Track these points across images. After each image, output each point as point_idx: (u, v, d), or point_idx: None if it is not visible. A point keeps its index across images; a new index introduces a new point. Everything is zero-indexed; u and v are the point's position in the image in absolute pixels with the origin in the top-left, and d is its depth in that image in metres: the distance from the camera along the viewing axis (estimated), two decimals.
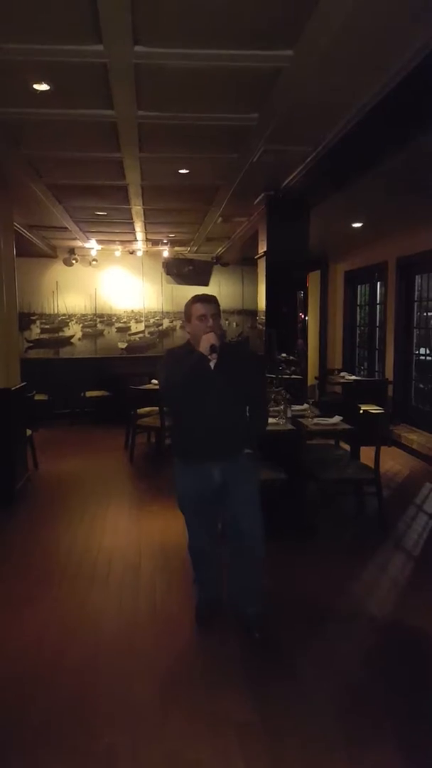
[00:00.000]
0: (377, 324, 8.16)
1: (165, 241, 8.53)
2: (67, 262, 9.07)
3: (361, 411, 4.64)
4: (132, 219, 6.86)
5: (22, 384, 5.38)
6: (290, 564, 3.56)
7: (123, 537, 4.09)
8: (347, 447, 4.87)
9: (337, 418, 4.24)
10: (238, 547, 2.74)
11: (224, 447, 2.61)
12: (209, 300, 2.59)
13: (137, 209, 6.29)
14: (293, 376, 5.39)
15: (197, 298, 2.61)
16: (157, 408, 6.20)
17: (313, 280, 9.23)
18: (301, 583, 3.35)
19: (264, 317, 5.84)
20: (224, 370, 2.56)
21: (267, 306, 5.75)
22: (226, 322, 9.55)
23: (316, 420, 4.21)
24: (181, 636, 2.79)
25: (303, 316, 6.04)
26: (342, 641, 2.75)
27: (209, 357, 2.47)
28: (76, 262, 9.06)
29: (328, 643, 2.74)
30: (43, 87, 3.15)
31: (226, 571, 2.92)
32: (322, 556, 3.72)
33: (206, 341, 2.48)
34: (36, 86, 3.15)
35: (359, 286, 8.82)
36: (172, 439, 2.78)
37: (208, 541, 2.81)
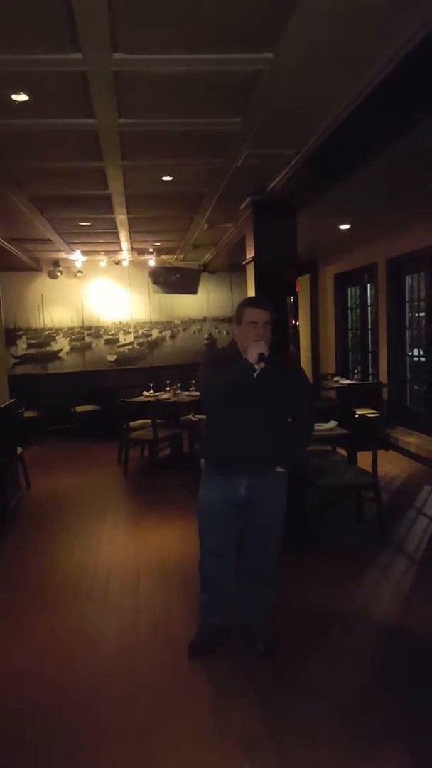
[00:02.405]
0: (369, 326, 8.21)
1: (151, 250, 8.52)
2: (52, 275, 9.06)
3: (357, 415, 4.64)
4: (117, 228, 6.85)
5: (11, 401, 5.34)
6: (292, 571, 3.54)
7: (120, 554, 4.05)
8: (344, 452, 4.87)
9: (332, 423, 4.23)
10: (252, 568, 2.68)
11: (256, 461, 2.52)
12: (264, 306, 2.48)
13: (121, 218, 6.29)
14: None
15: (251, 302, 2.52)
16: (149, 421, 6.17)
17: (303, 284, 9.29)
18: (303, 591, 3.34)
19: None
20: (268, 381, 2.45)
21: None
22: (216, 330, 9.57)
23: None
24: (183, 653, 2.75)
25: (294, 322, 6.05)
26: (347, 648, 2.74)
27: (257, 366, 2.37)
28: (61, 274, 9.04)
29: (333, 650, 2.72)
30: (21, 97, 3.16)
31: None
32: (323, 563, 3.71)
33: (255, 349, 2.37)
34: (14, 97, 3.15)
35: (349, 289, 8.88)
36: (205, 444, 2.69)
37: (220, 564, 2.67)
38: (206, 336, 9.62)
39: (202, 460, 2.68)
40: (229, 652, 2.73)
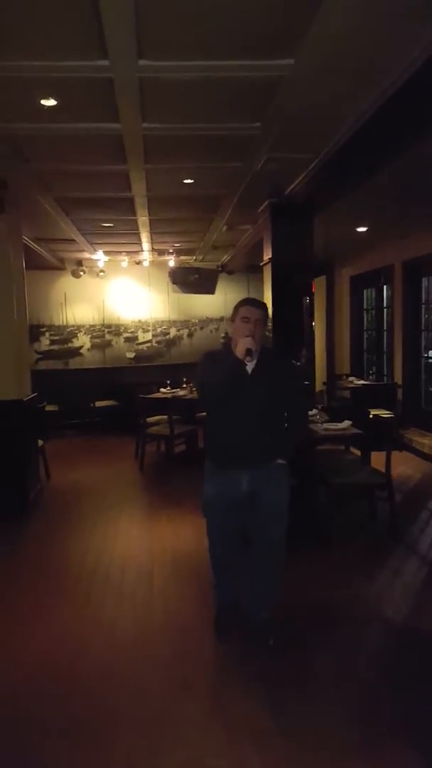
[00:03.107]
0: (385, 328, 8.14)
1: (171, 250, 8.56)
2: (75, 274, 9.15)
3: (371, 415, 4.62)
4: (138, 230, 6.91)
5: (33, 395, 5.42)
6: (303, 570, 3.54)
7: (135, 546, 4.10)
8: (357, 452, 4.85)
9: (346, 423, 4.22)
10: (259, 555, 2.73)
11: (256, 455, 2.58)
12: (258, 305, 2.58)
13: (143, 220, 6.34)
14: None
15: (246, 301, 2.62)
16: (166, 417, 6.22)
17: (319, 285, 9.24)
18: (314, 589, 3.34)
19: (270, 324, 5.84)
20: (262, 375, 2.56)
21: (273, 313, 5.74)
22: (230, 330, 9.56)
23: (325, 425, 4.20)
24: (196, 644, 2.79)
25: (311, 322, 6.03)
26: (357, 646, 2.74)
27: (245, 361, 2.46)
28: (84, 273, 9.12)
29: (344, 648, 2.72)
30: (50, 102, 3.21)
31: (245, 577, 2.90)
32: (335, 562, 3.71)
33: (243, 345, 2.47)
34: (43, 101, 3.20)
35: (365, 290, 8.82)
36: (206, 442, 2.77)
37: (227, 550, 2.79)
38: (223, 335, 9.62)
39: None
40: (240, 644, 2.76)
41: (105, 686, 2.48)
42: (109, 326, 9.52)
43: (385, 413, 5.46)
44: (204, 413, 2.86)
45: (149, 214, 6.09)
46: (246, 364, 2.50)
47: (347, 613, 3.05)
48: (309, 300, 5.93)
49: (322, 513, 4.20)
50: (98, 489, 5.63)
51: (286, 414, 2.70)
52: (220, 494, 2.65)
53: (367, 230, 6.64)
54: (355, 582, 3.42)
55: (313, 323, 6.09)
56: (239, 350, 2.47)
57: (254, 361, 2.55)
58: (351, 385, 7.53)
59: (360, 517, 4.48)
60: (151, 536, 4.27)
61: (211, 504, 2.70)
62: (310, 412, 4.42)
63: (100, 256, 8.73)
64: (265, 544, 2.70)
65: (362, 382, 7.69)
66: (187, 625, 2.96)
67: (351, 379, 7.87)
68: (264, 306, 2.60)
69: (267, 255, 5.82)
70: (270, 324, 5.88)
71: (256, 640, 2.74)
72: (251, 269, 8.94)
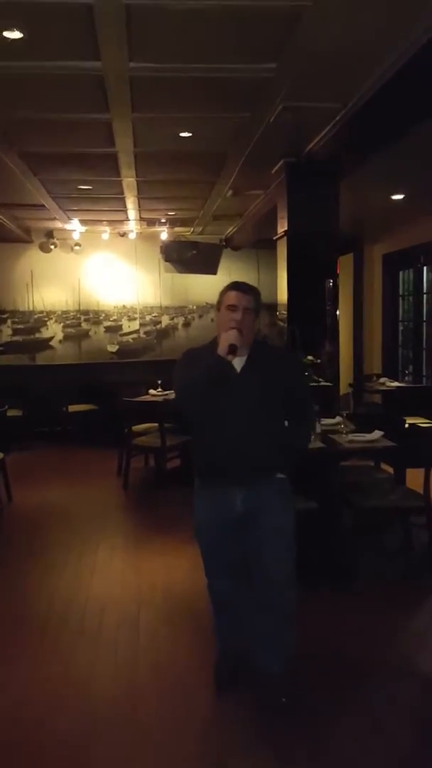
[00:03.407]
0: (424, 318, 8.14)
1: (163, 220, 8.58)
2: (45, 248, 9.15)
3: (407, 425, 4.61)
4: (123, 194, 6.92)
5: None
6: (323, 611, 3.53)
7: (117, 582, 4.08)
8: (390, 469, 4.84)
9: (377, 434, 4.21)
10: (263, 592, 2.74)
11: (250, 469, 2.60)
12: (247, 290, 2.59)
13: (129, 182, 6.35)
14: (322, 383, 5.39)
15: (233, 285, 2.63)
16: (156, 425, 6.20)
17: (345, 265, 9.24)
18: (336, 635, 3.32)
19: (285, 312, 5.84)
20: (254, 374, 2.57)
21: (289, 298, 5.76)
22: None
23: (351, 436, 4.19)
24: (191, 701, 2.77)
25: (334, 310, 6.04)
26: (387, 706, 2.72)
27: (226, 358, 2.47)
28: (55, 247, 9.13)
29: (370, 708, 2.70)
30: (14, 35, 3.20)
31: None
32: (361, 602, 3.70)
33: (226, 339, 2.48)
34: (6, 34, 3.19)
35: (401, 272, 8.81)
36: (192, 455, 2.82)
37: (229, 583, 2.82)
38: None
39: None
40: (246, 702, 2.74)
41: (80, 753, 2.47)
42: (86, 313, 9.53)
43: (424, 422, 5.44)
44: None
45: (137, 175, 6.10)
46: (231, 362, 2.50)
47: (376, 666, 3.03)
48: (333, 283, 5.94)
49: (347, 543, 4.19)
50: (71, 513, 5.61)
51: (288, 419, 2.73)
52: (211, 517, 2.69)
53: (404, 198, 6.64)
54: (386, 627, 3.40)
55: (338, 311, 6.09)
56: (221, 346, 2.48)
57: (244, 357, 2.57)
58: (383, 388, 7.53)
59: (393, 547, 4.46)
60: (137, 571, 4.25)
61: (202, 529, 2.74)
62: (331, 421, 4.42)
63: (75, 226, 8.73)
64: (267, 579, 2.70)
65: (396, 383, 7.68)
66: (180, 681, 2.94)
67: (383, 380, 7.87)
68: (256, 292, 2.62)
69: (281, 227, 5.83)
70: (283, 313, 5.91)
71: (266, 698, 2.73)
72: (262, 245, 8.97)
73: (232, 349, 2.46)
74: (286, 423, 2.71)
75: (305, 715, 2.66)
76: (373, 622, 3.47)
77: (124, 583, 4.07)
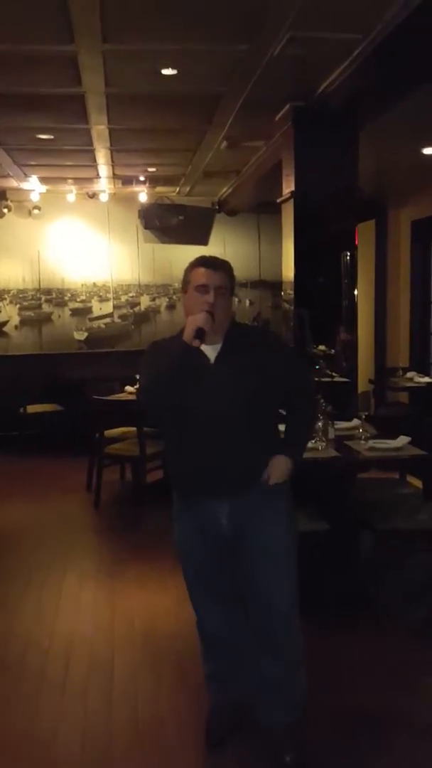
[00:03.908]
0: None
1: (142, 178, 8.54)
2: None
3: None
4: (92, 145, 6.89)
5: None
6: (334, 653, 3.55)
7: (87, 619, 4.10)
8: (418, 483, 4.86)
9: (402, 440, 4.23)
10: (263, 626, 2.77)
11: (234, 478, 2.63)
12: (217, 266, 2.62)
13: (100, 130, 6.32)
14: (337, 379, 5.40)
15: (201, 261, 2.65)
16: (134, 429, 6.21)
17: (366, 234, 9.26)
18: (351, 680, 3.35)
19: (292, 292, 5.84)
20: (232, 363, 2.60)
21: (296, 275, 5.75)
22: (236, 299, 9.57)
23: (371, 443, 4.20)
24: (176, 765, 2.78)
25: (352, 289, 6.05)
26: (413, 765, 2.74)
27: (192, 344, 2.49)
28: (9, 211, 9.10)
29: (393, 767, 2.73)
30: None
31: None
32: (381, 641, 3.72)
33: (192, 323, 2.50)
34: None
35: None
36: (167, 467, 2.86)
37: (222, 618, 2.86)
38: (254, 315, 9.66)
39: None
40: (243, 763, 2.76)
41: None
42: (47, 292, 9.51)
43: None
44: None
45: (109, 122, 6.07)
46: (199, 350, 2.53)
47: (400, 717, 3.05)
48: (350, 256, 5.96)
49: (364, 572, 4.21)
50: (32, 536, 5.62)
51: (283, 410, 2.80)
52: (195, 538, 2.73)
53: None
54: (412, 672, 3.42)
55: (356, 291, 6.10)
56: (187, 330, 2.50)
57: (219, 345, 2.60)
58: (410, 384, 7.55)
59: (420, 578, 4.49)
60: (110, 606, 4.27)
61: (186, 553, 2.80)
62: (348, 424, 4.44)
63: (33, 185, 8.68)
64: (267, 610, 2.73)
65: (427, 379, 7.71)
66: (163, 740, 2.95)
67: (410, 374, 7.90)
68: (228, 267, 2.65)
69: (287, 187, 5.83)
70: (290, 293, 5.91)
71: (275, 755, 2.75)
72: (263, 209, 8.97)
73: (199, 334, 2.48)
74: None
75: None
76: (395, 666, 3.49)
77: (95, 620, 4.09)
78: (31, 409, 8.72)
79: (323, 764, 2.77)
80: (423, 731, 2.98)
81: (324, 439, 4.07)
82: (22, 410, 8.66)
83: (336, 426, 4.28)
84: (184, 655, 3.51)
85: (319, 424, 4.15)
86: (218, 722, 2.90)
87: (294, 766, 2.71)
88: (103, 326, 9.72)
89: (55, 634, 3.91)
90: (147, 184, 8.76)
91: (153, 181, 8.68)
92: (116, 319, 9.75)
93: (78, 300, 9.61)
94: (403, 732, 2.98)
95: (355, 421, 4.48)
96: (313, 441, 4.00)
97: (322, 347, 5.50)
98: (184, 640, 3.60)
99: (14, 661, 3.62)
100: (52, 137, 6.59)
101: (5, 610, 4.24)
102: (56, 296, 9.54)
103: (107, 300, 9.70)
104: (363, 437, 4.26)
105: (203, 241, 9.43)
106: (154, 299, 9.81)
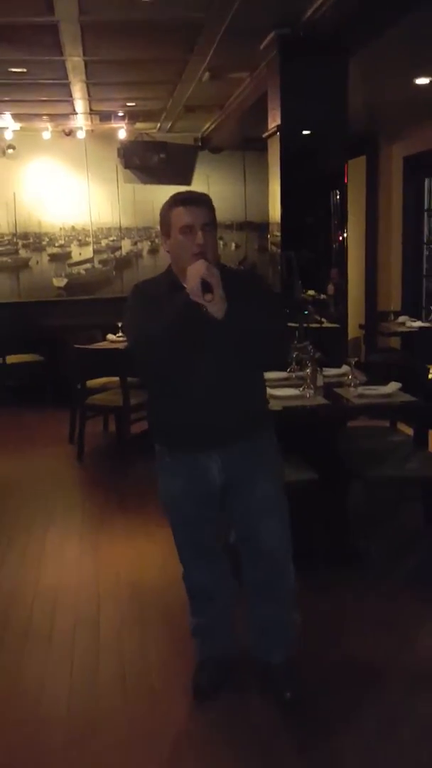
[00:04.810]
0: None
1: (121, 114, 8.48)
2: None
3: (431, 375, 4.64)
4: (67, 79, 6.80)
5: None
6: (327, 603, 3.61)
7: (72, 574, 4.13)
8: (409, 430, 4.89)
9: (393, 386, 4.23)
10: (256, 574, 2.83)
11: (226, 429, 2.63)
12: (198, 200, 2.53)
13: (75, 62, 6.23)
14: (326, 325, 5.38)
15: (179, 199, 2.54)
16: (117, 379, 6.19)
17: (356, 171, 9.13)
18: (344, 631, 3.41)
19: (279, 233, 5.78)
20: (231, 314, 2.47)
21: (283, 215, 5.70)
22: (221, 242, 9.50)
23: (360, 390, 4.20)
24: (164, 716, 2.84)
25: (341, 230, 6.00)
26: (405, 714, 2.81)
27: (204, 300, 2.36)
28: None
29: (379, 717, 2.79)
30: None
31: (244, 609, 2.98)
32: (373, 592, 3.77)
33: (194, 275, 2.37)
34: None
35: (427, 180, 8.74)
36: (150, 419, 2.89)
37: (209, 571, 2.91)
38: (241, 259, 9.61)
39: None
40: (238, 708, 2.83)
41: None
42: (24, 237, 9.44)
43: None
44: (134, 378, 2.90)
45: (84, 53, 5.99)
46: (207, 303, 2.38)
47: (390, 667, 3.11)
48: (340, 195, 5.89)
49: (355, 521, 4.26)
50: (13, 490, 5.64)
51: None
52: (184, 491, 2.74)
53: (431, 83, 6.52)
54: (402, 620, 3.48)
55: (346, 232, 6.05)
56: (191, 285, 2.37)
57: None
58: (402, 329, 7.55)
59: (411, 526, 4.55)
60: (96, 560, 4.31)
61: (173, 507, 2.83)
62: (337, 371, 4.43)
63: (7, 123, 8.59)
64: (264, 557, 2.79)
65: (419, 323, 7.71)
66: (150, 691, 3.00)
67: (402, 319, 7.89)
68: (208, 199, 2.56)
69: (273, 121, 5.75)
70: (277, 234, 5.85)
71: (274, 693, 2.84)
72: (249, 145, 8.87)
73: (207, 287, 2.35)
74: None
75: (302, 724, 2.75)
76: (386, 615, 3.55)
77: (80, 574, 4.12)
78: (11, 359, 8.69)
79: (317, 709, 2.84)
80: (415, 680, 3.05)
81: (312, 386, 4.06)
82: (1, 361, 8.63)
83: (324, 373, 4.27)
84: (170, 607, 3.55)
85: (307, 371, 4.14)
86: (205, 676, 2.95)
87: (294, 702, 2.79)
88: (83, 272, 9.66)
89: (39, 587, 3.95)
90: (126, 120, 8.70)
91: (132, 116, 8.62)
92: (97, 265, 9.69)
93: (56, 245, 9.53)
94: (394, 681, 3.04)
95: (345, 368, 4.47)
96: (300, 389, 4.01)
97: (311, 292, 5.48)
98: (170, 593, 3.64)
99: None
100: (24, 70, 6.52)
101: None
102: (33, 241, 9.47)
103: (87, 244, 9.62)
104: (352, 384, 4.25)
105: (186, 180, 9.34)
106: (135, 243, 9.73)
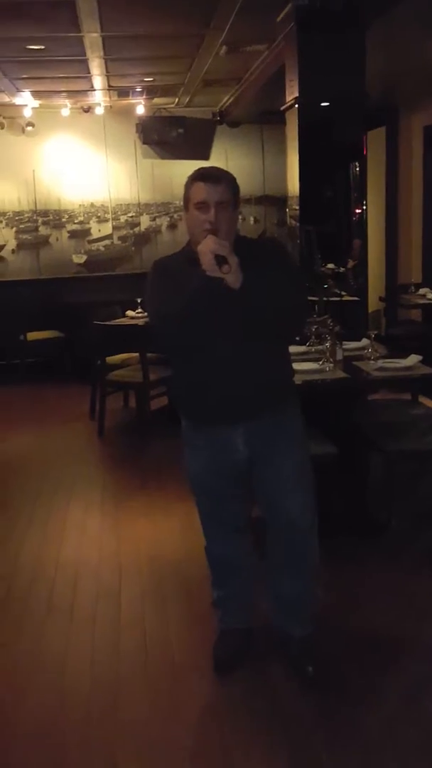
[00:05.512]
0: None
1: (139, 89, 8.41)
2: None
3: None
4: (85, 55, 6.75)
5: None
6: (350, 576, 3.62)
7: (93, 548, 4.16)
8: (430, 403, 4.85)
9: (414, 359, 4.20)
10: (280, 548, 2.85)
11: (250, 400, 2.63)
12: (217, 178, 2.52)
13: (92, 38, 6.18)
14: (346, 298, 5.33)
15: (199, 175, 2.56)
16: (137, 354, 6.19)
17: (375, 142, 9.00)
18: (367, 603, 3.41)
19: (297, 207, 5.73)
20: (248, 283, 2.47)
21: (301, 189, 5.65)
22: (240, 217, 9.43)
23: (381, 363, 4.17)
24: (185, 687, 2.86)
25: (361, 202, 5.92)
26: (428, 683, 2.81)
27: (222, 272, 2.37)
28: (2, 128, 8.98)
29: (400, 689, 2.79)
30: None
31: (263, 584, 2.99)
32: (394, 565, 3.77)
33: (205, 251, 2.38)
34: None
35: None
36: (174, 394, 2.90)
37: (233, 545, 2.94)
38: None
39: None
40: (260, 683, 2.83)
41: (51, 754, 2.55)
42: (44, 214, 9.42)
43: None
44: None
45: (102, 29, 5.93)
46: (224, 276, 2.39)
47: (416, 639, 3.11)
48: (359, 167, 5.82)
49: (376, 495, 4.24)
50: (35, 465, 5.69)
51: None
52: (209, 467, 2.77)
53: None
54: (423, 593, 3.48)
55: (365, 204, 5.97)
56: (205, 263, 2.39)
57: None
58: (423, 301, 7.47)
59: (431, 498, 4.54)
60: (116, 534, 4.33)
61: (199, 482, 2.85)
62: (357, 344, 4.39)
63: (26, 100, 8.56)
64: (290, 528, 2.81)
65: None
66: (171, 663, 3.02)
67: (423, 291, 7.80)
68: (229, 177, 2.56)
69: (291, 94, 5.70)
70: (295, 208, 5.78)
71: (294, 668, 2.86)
72: (267, 118, 8.80)
73: (221, 260, 2.37)
74: None
75: (324, 694, 2.75)
76: (407, 587, 3.54)
77: (101, 548, 4.15)
78: (32, 336, 8.74)
79: (339, 680, 2.85)
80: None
81: (332, 360, 4.04)
82: (22, 337, 8.69)
83: (344, 346, 4.24)
84: (190, 580, 3.58)
85: (327, 344, 4.12)
86: (226, 648, 2.97)
87: (315, 678, 2.80)
88: (102, 249, 9.65)
89: (61, 563, 3.98)
90: (144, 96, 8.64)
91: (150, 92, 8.55)
92: (116, 241, 9.67)
93: (76, 222, 9.52)
94: (416, 652, 3.04)
95: (365, 341, 4.43)
96: (320, 363, 3.99)
97: (330, 265, 5.41)
98: (190, 566, 3.67)
99: (22, 591, 3.69)
100: (42, 47, 6.45)
101: (11, 540, 4.31)
102: (53, 218, 9.46)
103: (106, 221, 9.60)
104: (372, 357, 4.22)
105: (204, 155, 9.30)
106: (154, 219, 9.69)
